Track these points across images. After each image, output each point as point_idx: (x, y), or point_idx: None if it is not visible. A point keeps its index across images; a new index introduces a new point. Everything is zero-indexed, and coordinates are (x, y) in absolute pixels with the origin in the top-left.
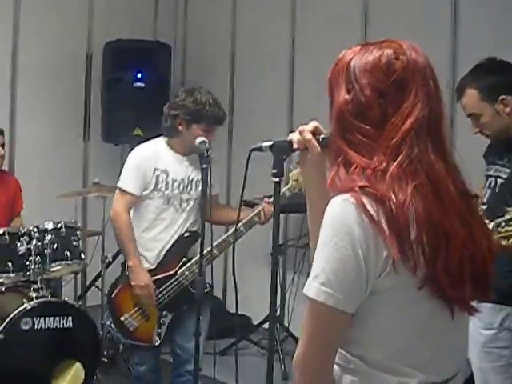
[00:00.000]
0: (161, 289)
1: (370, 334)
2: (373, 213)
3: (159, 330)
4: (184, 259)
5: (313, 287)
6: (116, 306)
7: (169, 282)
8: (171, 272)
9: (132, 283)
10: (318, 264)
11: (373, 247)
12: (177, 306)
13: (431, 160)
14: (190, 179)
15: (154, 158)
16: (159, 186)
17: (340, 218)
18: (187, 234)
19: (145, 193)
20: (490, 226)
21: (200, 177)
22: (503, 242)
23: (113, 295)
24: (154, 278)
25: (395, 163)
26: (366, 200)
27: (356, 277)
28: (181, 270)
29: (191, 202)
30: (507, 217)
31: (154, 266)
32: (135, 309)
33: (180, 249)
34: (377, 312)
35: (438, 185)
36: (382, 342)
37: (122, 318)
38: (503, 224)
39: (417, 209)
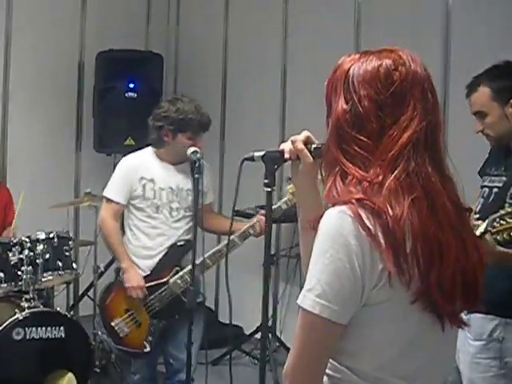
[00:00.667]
0: (152, 296)
1: (361, 345)
2: (370, 226)
3: (150, 338)
4: (177, 268)
5: (308, 299)
6: (108, 310)
7: (160, 290)
8: (163, 280)
9: (125, 285)
10: (313, 275)
11: (368, 260)
12: (168, 314)
13: (428, 173)
14: (180, 188)
15: (140, 168)
16: (147, 194)
17: (336, 229)
18: (181, 243)
19: (134, 202)
20: (485, 224)
21: (190, 186)
22: (498, 237)
23: (105, 300)
24: (147, 284)
25: (392, 176)
26: (362, 213)
27: (351, 289)
28: (173, 279)
29: (181, 211)
30: (501, 212)
31: (146, 273)
32: (126, 315)
33: (173, 257)
34: (369, 324)
35: (433, 199)
36: (372, 353)
37: (113, 323)
38: (498, 219)
39: (413, 223)
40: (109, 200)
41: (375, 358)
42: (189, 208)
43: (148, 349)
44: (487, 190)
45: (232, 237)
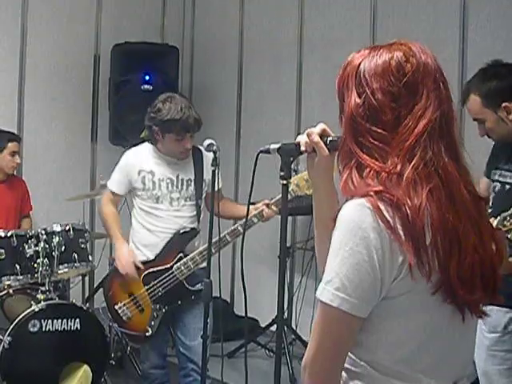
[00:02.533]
0: (156, 281)
1: (381, 339)
2: (389, 218)
3: (152, 323)
4: (180, 255)
5: (327, 292)
6: (111, 295)
7: (164, 276)
8: (167, 266)
9: (116, 263)
10: (332, 269)
11: (388, 252)
12: (171, 300)
13: (445, 163)
14: (180, 178)
15: (139, 161)
16: (147, 186)
17: (355, 222)
18: (185, 230)
19: (137, 193)
20: (496, 221)
21: (191, 176)
22: (509, 236)
23: (109, 284)
24: (150, 270)
25: (410, 166)
26: (382, 205)
27: (371, 282)
28: (177, 265)
29: (182, 201)
30: None
31: (150, 258)
32: (129, 299)
33: (177, 244)
34: (389, 316)
35: (451, 188)
36: (392, 346)
37: (116, 307)
38: (508, 218)
39: (432, 213)
40: (109, 189)
41: (394, 352)
42: (190, 198)
43: (150, 333)
44: (499, 185)
45: (236, 225)
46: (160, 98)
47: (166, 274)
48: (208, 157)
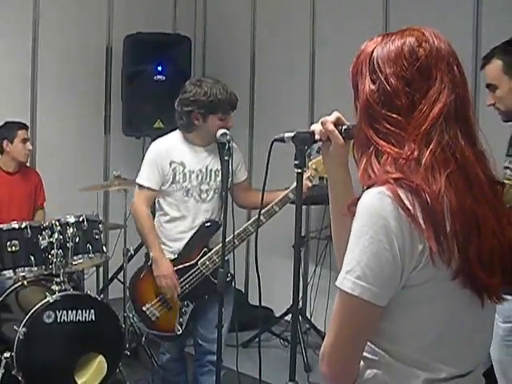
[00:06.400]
0: (182, 279)
1: (401, 327)
2: (409, 206)
3: (181, 320)
4: (205, 249)
5: (347, 281)
6: (138, 295)
7: (190, 272)
8: (192, 262)
9: (155, 274)
10: (353, 257)
11: (408, 240)
12: (198, 295)
13: (461, 147)
14: (209, 169)
15: (169, 152)
16: (177, 178)
17: (376, 210)
18: (208, 224)
19: (164, 187)
20: None
21: (219, 167)
22: None
23: (135, 285)
24: (176, 268)
25: (428, 152)
26: (401, 192)
27: (391, 270)
28: (201, 260)
29: (211, 192)
30: None
31: (175, 256)
32: (157, 299)
33: (201, 239)
34: (408, 305)
35: (468, 172)
36: (411, 335)
37: (144, 308)
38: None
39: (450, 199)
40: (141, 186)
41: (414, 340)
42: (218, 189)
43: (180, 331)
44: (508, 171)
45: (271, 204)
46: (191, 81)
47: (192, 271)
48: (233, 147)
